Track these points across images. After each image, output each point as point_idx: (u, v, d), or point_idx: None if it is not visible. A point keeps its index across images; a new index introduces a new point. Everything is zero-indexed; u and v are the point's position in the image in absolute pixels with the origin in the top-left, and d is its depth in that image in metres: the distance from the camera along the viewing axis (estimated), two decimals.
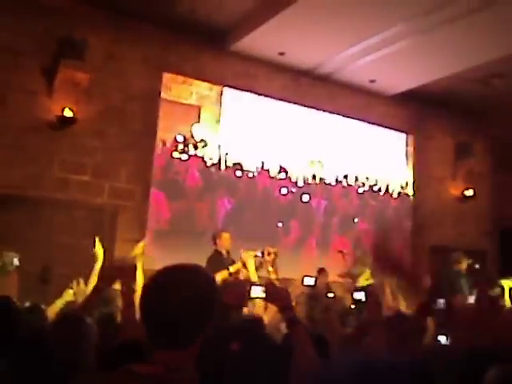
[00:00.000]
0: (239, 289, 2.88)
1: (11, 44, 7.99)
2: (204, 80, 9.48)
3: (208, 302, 1.78)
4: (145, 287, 1.81)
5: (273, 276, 6.08)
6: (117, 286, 4.54)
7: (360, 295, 3.89)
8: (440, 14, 7.94)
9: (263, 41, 9.07)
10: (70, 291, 4.71)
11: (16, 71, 7.99)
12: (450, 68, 9.68)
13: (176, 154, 9.11)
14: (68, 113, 8.06)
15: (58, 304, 4.63)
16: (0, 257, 5.89)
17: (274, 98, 10.10)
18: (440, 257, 10.82)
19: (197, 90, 9.47)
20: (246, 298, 2.80)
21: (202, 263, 6.61)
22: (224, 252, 7.23)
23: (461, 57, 9.14)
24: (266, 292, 2.52)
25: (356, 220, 10.78)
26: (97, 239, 5.43)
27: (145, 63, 8.92)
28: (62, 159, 8.19)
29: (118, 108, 8.64)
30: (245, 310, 4.38)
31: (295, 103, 10.31)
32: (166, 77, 9.15)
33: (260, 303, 4.70)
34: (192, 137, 9.25)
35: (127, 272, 3.22)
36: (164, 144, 9.04)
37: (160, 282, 1.80)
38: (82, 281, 4.79)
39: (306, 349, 2.33)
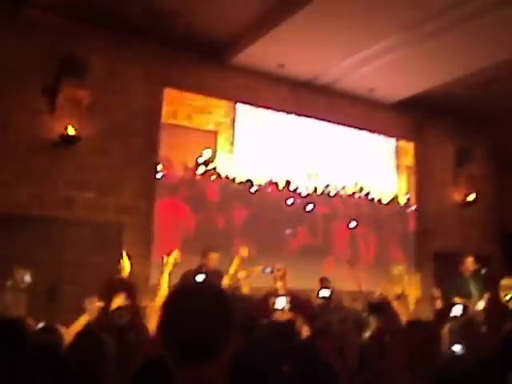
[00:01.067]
0: (264, 302, 2.88)
1: (14, 64, 8.05)
2: (206, 94, 9.55)
3: (226, 315, 1.82)
4: (163, 305, 1.84)
5: (281, 291, 6.10)
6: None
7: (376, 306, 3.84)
8: (437, 21, 7.99)
9: (262, 53, 9.13)
10: (86, 315, 4.70)
11: (19, 91, 8.04)
12: (448, 74, 9.73)
13: (198, 172, 9.66)
14: (71, 131, 8.11)
15: (76, 326, 4.63)
16: (11, 274, 5.92)
17: (274, 109, 10.16)
18: (444, 263, 10.84)
19: (214, 118, 9.97)
20: (271, 310, 2.80)
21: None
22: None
23: (459, 63, 9.19)
24: (290, 303, 2.55)
25: (353, 224, 10.82)
26: (124, 253, 5.43)
27: (146, 80, 8.98)
28: (67, 177, 8.23)
29: (120, 125, 8.70)
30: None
31: (296, 114, 10.38)
32: (187, 107, 9.55)
33: (284, 314, 4.76)
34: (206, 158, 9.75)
35: (128, 287, 3.24)
36: (185, 166, 9.57)
37: (180, 296, 1.84)
38: (95, 298, 4.81)
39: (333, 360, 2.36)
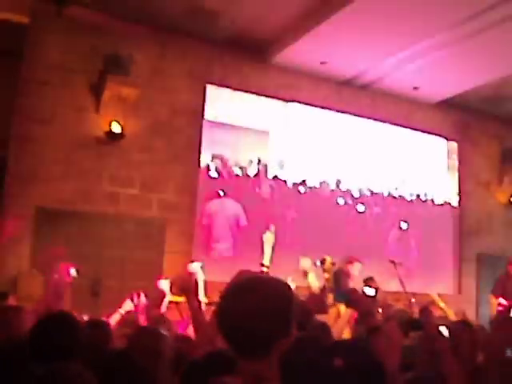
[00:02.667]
0: (320, 296, 2.83)
1: (59, 62, 8.19)
2: (248, 92, 9.57)
3: (283, 311, 1.78)
4: (221, 296, 1.83)
5: (328, 284, 6.06)
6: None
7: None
8: (482, 19, 7.85)
9: (305, 51, 9.08)
10: (130, 302, 4.75)
11: (65, 89, 8.18)
12: (494, 73, 9.55)
13: (250, 172, 9.87)
14: (116, 128, 8.20)
15: (118, 314, 4.68)
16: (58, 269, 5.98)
17: (317, 107, 10.14)
18: (488, 264, 10.67)
19: (266, 118, 10.11)
20: (327, 304, 2.75)
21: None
22: None
23: (505, 61, 9.01)
24: (350, 300, 2.51)
25: (405, 226, 10.73)
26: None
27: (189, 77, 9.03)
28: (111, 173, 8.33)
29: (164, 122, 8.76)
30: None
31: (338, 112, 10.33)
32: (239, 104, 9.74)
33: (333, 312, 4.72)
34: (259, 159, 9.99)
35: (192, 287, 3.25)
36: (240, 167, 9.80)
37: (236, 290, 1.82)
38: (142, 294, 4.84)
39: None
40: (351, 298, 2.44)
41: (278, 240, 4.69)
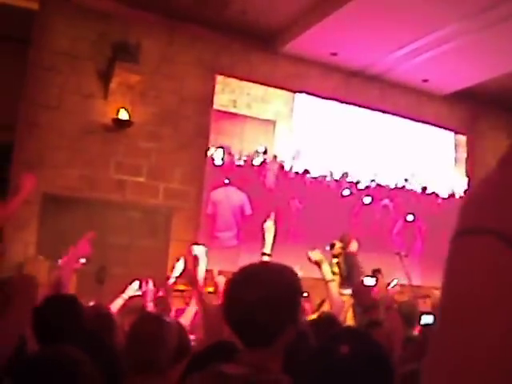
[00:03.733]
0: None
1: (67, 48, 8.18)
2: (256, 82, 9.54)
3: (288, 301, 1.77)
4: (227, 285, 1.81)
5: (335, 269, 6.03)
6: None
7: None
8: (493, 11, 7.76)
9: (315, 41, 9.03)
10: (134, 288, 4.75)
11: (73, 75, 8.16)
12: (504, 66, 9.45)
13: (255, 161, 9.98)
14: (123, 115, 8.18)
15: (121, 299, 4.68)
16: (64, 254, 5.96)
17: (326, 98, 10.09)
18: None
19: (273, 108, 10.19)
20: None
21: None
22: None
23: None
24: (353, 291, 2.50)
25: (412, 219, 10.71)
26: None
27: (198, 65, 8.99)
28: (118, 161, 8.32)
29: (171, 110, 8.73)
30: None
31: (348, 103, 10.28)
32: (247, 93, 9.85)
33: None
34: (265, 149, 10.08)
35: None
36: (240, 154, 9.93)
37: (240, 279, 1.81)
38: (150, 282, 4.84)
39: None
40: (354, 290, 2.42)
41: (282, 230, 4.68)
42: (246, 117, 10.03)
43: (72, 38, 8.22)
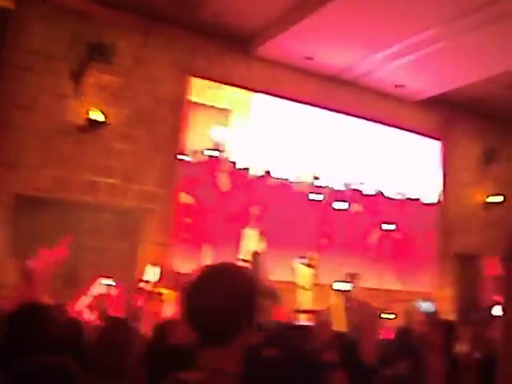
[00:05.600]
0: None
1: (41, 48, 8.11)
2: (231, 84, 9.52)
3: (245, 303, 1.79)
4: (186, 287, 1.83)
5: (313, 280, 6.09)
6: None
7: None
8: (468, 19, 7.87)
9: (290, 45, 9.07)
10: (100, 285, 4.73)
11: (47, 75, 8.09)
12: (477, 73, 9.61)
13: (206, 155, 9.29)
14: (97, 116, 8.12)
15: (88, 298, 4.66)
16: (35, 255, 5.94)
17: (301, 102, 10.09)
18: (465, 264, 10.76)
19: (229, 95, 9.59)
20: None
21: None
22: None
23: (490, 62, 9.07)
24: (315, 320, 2.48)
25: (387, 226, 10.72)
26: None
27: (173, 67, 8.97)
28: (91, 162, 8.26)
29: (146, 111, 8.70)
30: None
31: (323, 108, 10.29)
32: (199, 81, 9.28)
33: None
34: (215, 142, 9.39)
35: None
36: (193, 149, 9.19)
37: (199, 281, 1.83)
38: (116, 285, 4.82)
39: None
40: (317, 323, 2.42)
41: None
42: (195, 104, 9.30)
43: (47, 38, 8.15)
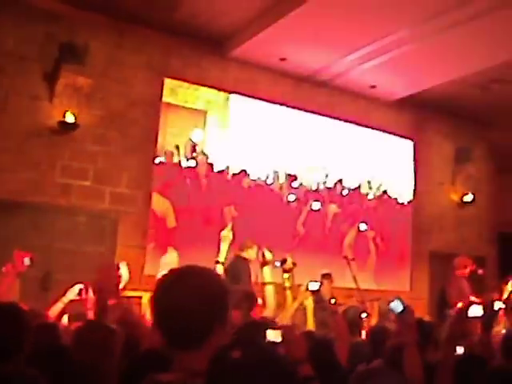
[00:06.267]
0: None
1: (14, 49, 8.01)
2: (206, 86, 9.49)
3: (216, 303, 1.80)
4: (154, 289, 1.83)
5: (287, 283, 6.05)
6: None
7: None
8: (439, 20, 7.94)
9: (264, 47, 9.08)
10: (75, 289, 4.67)
11: (18, 76, 7.99)
12: (449, 74, 9.70)
13: (183, 161, 9.19)
14: (70, 118, 8.05)
15: (60, 303, 4.60)
16: (9, 259, 5.87)
17: (276, 103, 10.10)
18: (440, 262, 10.84)
19: (204, 95, 9.50)
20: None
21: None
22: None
23: (460, 63, 9.16)
24: (282, 337, 2.46)
25: (363, 226, 10.78)
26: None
27: (147, 69, 8.92)
28: (64, 164, 8.18)
29: (119, 113, 8.64)
30: None
31: (297, 109, 10.31)
32: (172, 81, 9.21)
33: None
34: (192, 144, 9.30)
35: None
36: (168, 150, 9.09)
37: (167, 283, 1.82)
38: (90, 288, 4.76)
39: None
40: (284, 338, 2.41)
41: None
42: (169, 105, 9.24)
43: (19, 38, 8.05)
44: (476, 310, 3.99)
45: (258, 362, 1.75)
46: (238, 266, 7.19)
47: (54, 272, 7.64)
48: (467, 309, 3.96)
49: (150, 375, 1.76)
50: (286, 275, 6.16)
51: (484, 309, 4.04)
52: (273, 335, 2.51)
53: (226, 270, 5.34)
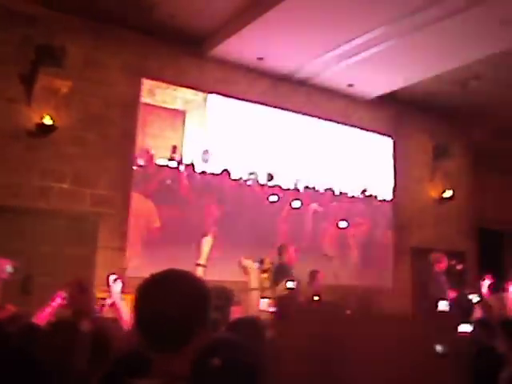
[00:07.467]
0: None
1: None
2: (184, 86, 9.47)
3: (197, 307, 1.81)
4: (136, 293, 1.83)
5: (265, 284, 6.08)
6: None
7: None
8: (416, 18, 7.99)
9: (241, 46, 9.08)
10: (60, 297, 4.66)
11: None
12: (427, 71, 9.78)
13: (164, 161, 9.15)
14: (47, 120, 8.01)
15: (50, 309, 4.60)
16: None
17: (254, 102, 10.12)
18: (420, 258, 10.92)
19: (182, 95, 9.47)
20: None
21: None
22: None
23: (439, 60, 9.23)
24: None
25: (344, 224, 10.82)
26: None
27: (124, 70, 8.89)
28: (42, 167, 8.12)
29: (97, 115, 8.60)
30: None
31: (276, 108, 10.33)
32: (150, 82, 9.17)
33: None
34: (172, 144, 9.28)
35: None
36: (148, 151, 9.04)
37: (149, 287, 1.83)
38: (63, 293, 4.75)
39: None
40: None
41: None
42: (147, 105, 9.18)
43: None
44: (443, 305, 4.07)
45: (239, 367, 1.75)
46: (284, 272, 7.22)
47: (35, 275, 7.59)
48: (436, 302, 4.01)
49: (127, 380, 1.76)
50: (264, 275, 6.18)
51: (458, 301, 4.10)
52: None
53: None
